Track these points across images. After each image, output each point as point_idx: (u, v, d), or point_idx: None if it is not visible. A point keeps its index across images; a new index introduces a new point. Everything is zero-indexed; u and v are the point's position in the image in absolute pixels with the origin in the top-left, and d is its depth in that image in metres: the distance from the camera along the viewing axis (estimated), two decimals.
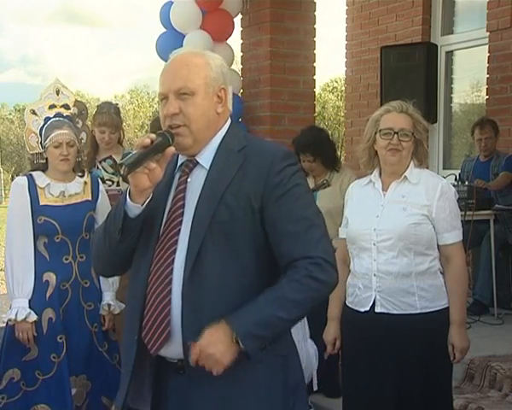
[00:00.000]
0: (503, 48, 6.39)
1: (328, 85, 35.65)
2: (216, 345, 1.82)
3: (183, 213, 1.98)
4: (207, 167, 2.00)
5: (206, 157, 2.01)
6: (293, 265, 1.90)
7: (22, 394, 3.42)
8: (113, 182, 4.30)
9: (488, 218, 5.55)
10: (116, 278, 3.61)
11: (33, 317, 3.34)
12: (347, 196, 3.09)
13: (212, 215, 1.92)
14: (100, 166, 4.31)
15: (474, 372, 4.24)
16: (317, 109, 6.69)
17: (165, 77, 2.00)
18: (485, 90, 6.72)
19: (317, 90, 7.16)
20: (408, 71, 6.31)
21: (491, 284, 5.49)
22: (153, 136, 1.91)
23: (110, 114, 4.39)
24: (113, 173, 4.32)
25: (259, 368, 1.94)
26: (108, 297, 3.56)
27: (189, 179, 2.01)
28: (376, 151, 2.92)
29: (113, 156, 4.36)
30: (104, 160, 4.35)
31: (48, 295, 3.39)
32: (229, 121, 2.08)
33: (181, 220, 1.97)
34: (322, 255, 1.91)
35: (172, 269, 1.94)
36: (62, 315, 3.41)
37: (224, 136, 2.04)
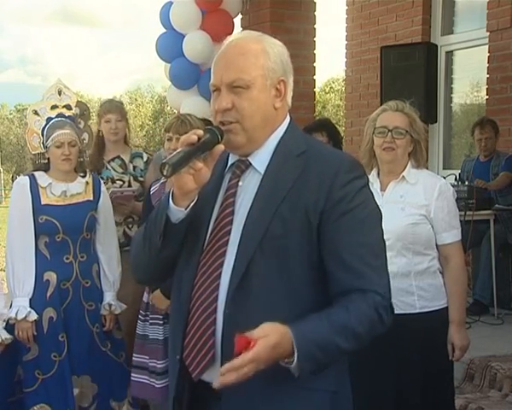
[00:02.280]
0: (503, 48, 6.39)
1: (326, 86, 35.63)
2: (270, 353, 1.55)
3: (232, 220, 1.76)
4: (262, 172, 1.78)
5: (260, 159, 1.79)
6: (360, 292, 1.68)
7: (19, 396, 3.42)
8: (123, 182, 4.26)
9: (488, 218, 5.56)
10: (117, 278, 3.62)
11: (33, 316, 3.34)
12: None
13: (264, 230, 1.70)
14: (109, 167, 4.29)
15: (474, 372, 4.25)
16: (317, 109, 6.69)
17: (218, 66, 1.78)
18: (485, 90, 6.72)
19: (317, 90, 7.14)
20: (408, 71, 6.31)
21: (491, 284, 5.50)
22: (200, 132, 1.71)
23: (113, 102, 4.46)
24: (122, 173, 4.30)
25: (306, 402, 1.73)
26: (109, 297, 3.56)
27: (240, 183, 1.80)
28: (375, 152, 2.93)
29: (122, 156, 4.33)
30: (112, 159, 4.31)
31: (48, 294, 3.39)
32: (287, 119, 1.85)
33: (230, 229, 1.76)
34: (388, 295, 1.72)
35: (219, 284, 1.73)
36: (63, 314, 3.41)
37: (283, 136, 1.81)
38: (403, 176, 2.88)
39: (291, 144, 1.80)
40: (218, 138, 1.73)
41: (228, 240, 1.75)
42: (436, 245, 2.87)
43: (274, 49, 1.81)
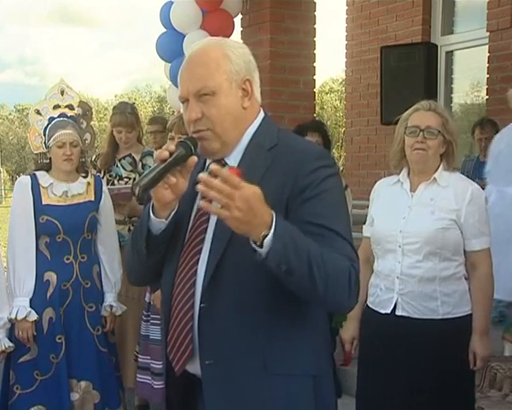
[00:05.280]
0: (503, 48, 6.40)
1: (324, 87, 35.59)
2: (253, 199, 1.54)
3: (208, 219, 1.81)
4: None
5: (234, 157, 1.83)
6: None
7: (17, 396, 3.40)
8: (130, 179, 4.29)
9: None
10: (118, 280, 3.62)
11: (33, 316, 3.34)
12: (373, 194, 3.00)
13: None
14: (119, 164, 4.34)
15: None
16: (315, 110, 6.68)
17: (183, 78, 1.83)
18: (485, 90, 6.73)
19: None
20: (408, 71, 6.31)
21: None
22: (172, 147, 1.74)
23: (125, 113, 4.35)
24: (131, 171, 4.33)
25: (287, 388, 1.78)
26: (110, 298, 3.56)
27: None
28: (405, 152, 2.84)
29: (133, 154, 4.38)
30: (124, 157, 4.36)
31: (48, 294, 3.39)
32: (261, 115, 1.89)
33: (206, 227, 1.81)
34: (358, 267, 1.72)
35: (195, 281, 1.79)
36: (63, 316, 3.41)
37: (255, 132, 1.85)
38: (434, 178, 2.78)
39: (263, 139, 1.83)
40: (192, 150, 1.76)
41: (204, 238, 1.81)
42: (464, 251, 2.77)
43: (235, 52, 1.83)
